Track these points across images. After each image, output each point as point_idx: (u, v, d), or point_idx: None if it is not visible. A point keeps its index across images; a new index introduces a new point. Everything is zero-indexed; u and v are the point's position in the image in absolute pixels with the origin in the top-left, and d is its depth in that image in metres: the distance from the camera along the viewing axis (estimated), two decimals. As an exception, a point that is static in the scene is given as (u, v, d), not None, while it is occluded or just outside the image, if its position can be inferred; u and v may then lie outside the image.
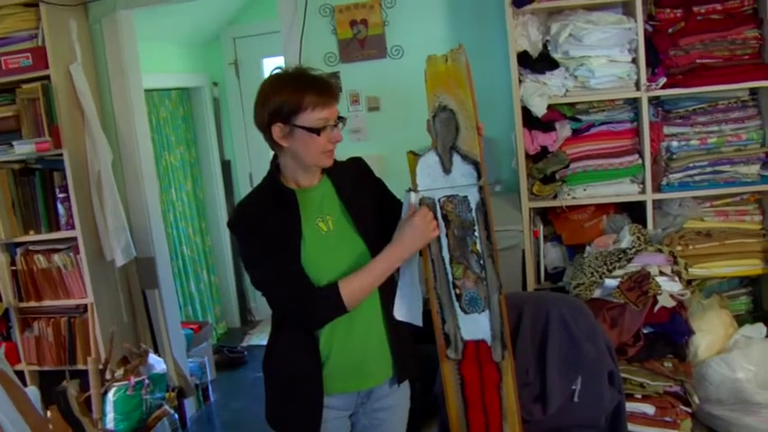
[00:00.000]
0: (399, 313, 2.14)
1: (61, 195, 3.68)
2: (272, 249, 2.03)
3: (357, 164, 2.26)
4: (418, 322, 2.15)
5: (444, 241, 2.09)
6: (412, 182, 2.10)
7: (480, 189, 2.02)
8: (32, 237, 3.74)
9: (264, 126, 2.03)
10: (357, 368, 2.13)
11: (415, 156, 2.08)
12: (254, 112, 2.06)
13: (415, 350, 2.27)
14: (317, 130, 1.98)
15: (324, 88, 2.01)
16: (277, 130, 2.00)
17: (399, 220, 2.09)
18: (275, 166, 2.13)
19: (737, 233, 3.13)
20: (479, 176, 2.01)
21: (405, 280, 2.13)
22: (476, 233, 2.05)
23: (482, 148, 2.02)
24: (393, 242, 2.05)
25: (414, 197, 2.07)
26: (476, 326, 2.11)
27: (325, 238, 2.08)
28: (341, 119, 2.07)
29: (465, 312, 2.11)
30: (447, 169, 2.04)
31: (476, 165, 2.00)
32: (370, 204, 2.17)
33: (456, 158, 2.02)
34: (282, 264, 2.02)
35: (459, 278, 2.10)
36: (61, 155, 3.58)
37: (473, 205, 2.03)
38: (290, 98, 1.97)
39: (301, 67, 2.08)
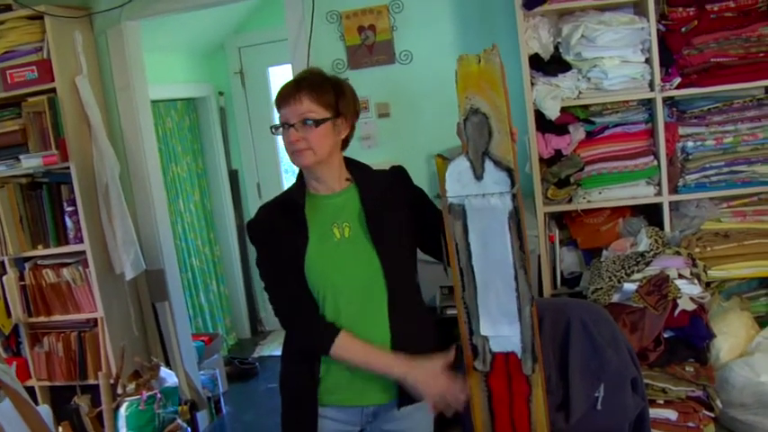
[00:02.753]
0: (486, 329, 2.08)
1: (69, 209, 3.65)
2: (280, 263, 2.06)
3: (395, 175, 2.21)
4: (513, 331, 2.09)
5: (474, 250, 2.01)
6: (440, 188, 2.01)
7: (513, 197, 1.94)
8: (41, 251, 3.71)
9: None
10: (352, 383, 2.09)
11: (444, 160, 2.00)
12: None
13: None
14: (273, 129, 2.06)
15: (285, 88, 2.03)
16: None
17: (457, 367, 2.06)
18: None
19: (756, 233, 3.06)
20: (513, 184, 1.92)
21: (489, 303, 2.06)
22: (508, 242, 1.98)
23: (515, 153, 1.94)
24: (410, 366, 2.01)
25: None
26: (506, 338, 2.04)
27: (336, 244, 2.07)
28: (315, 121, 1.99)
29: (495, 324, 2.06)
30: (478, 175, 1.94)
31: (509, 172, 1.92)
32: (397, 218, 2.11)
33: (488, 164, 1.93)
34: (288, 280, 2.06)
35: (490, 288, 2.05)
36: (68, 168, 3.56)
37: (506, 214, 1.96)
38: None
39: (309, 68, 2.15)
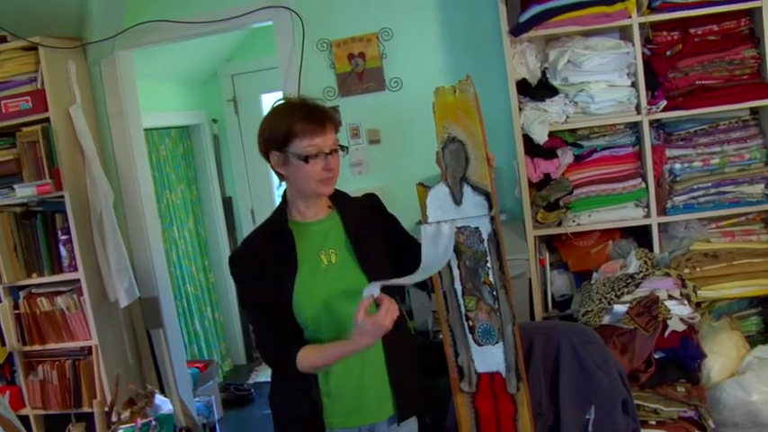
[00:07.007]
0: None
1: (63, 237, 3.67)
2: (262, 298, 2.08)
3: (370, 200, 2.27)
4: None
5: (456, 273, 2.07)
6: (422, 214, 2.07)
7: (492, 220, 2.00)
8: (35, 280, 3.73)
9: (264, 155, 2.07)
10: (356, 402, 2.12)
11: (424, 188, 2.07)
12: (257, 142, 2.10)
13: (420, 385, 2.25)
14: (305, 158, 1.99)
15: (314, 116, 2.01)
16: (274, 157, 2.05)
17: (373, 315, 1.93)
18: (284, 198, 2.16)
19: (745, 253, 3.08)
20: (491, 207, 1.99)
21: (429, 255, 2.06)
22: (488, 264, 2.03)
23: (493, 178, 2.01)
24: (353, 338, 1.96)
25: (371, 290, 1.91)
26: (490, 358, 2.08)
27: (325, 271, 2.09)
28: (342, 147, 2.07)
29: (478, 344, 2.09)
30: (458, 200, 2.02)
31: (487, 195, 1.99)
32: (378, 242, 2.16)
33: (467, 189, 2.01)
34: (267, 315, 2.08)
35: (472, 310, 2.08)
36: (62, 197, 3.58)
37: (485, 236, 2.01)
38: (280, 126, 2.01)
39: (302, 96, 2.09)
